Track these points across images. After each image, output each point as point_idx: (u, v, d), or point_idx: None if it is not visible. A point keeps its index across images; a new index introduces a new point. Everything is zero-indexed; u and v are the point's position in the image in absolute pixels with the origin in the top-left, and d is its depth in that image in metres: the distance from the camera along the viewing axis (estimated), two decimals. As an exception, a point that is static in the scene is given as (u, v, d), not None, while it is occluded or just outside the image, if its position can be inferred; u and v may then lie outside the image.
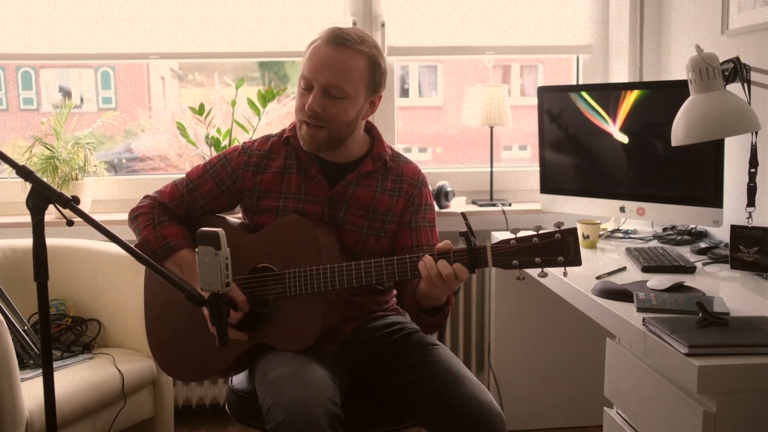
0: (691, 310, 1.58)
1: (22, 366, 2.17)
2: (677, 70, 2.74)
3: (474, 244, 1.58)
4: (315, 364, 1.65)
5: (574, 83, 3.13)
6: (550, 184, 2.70)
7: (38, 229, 1.41)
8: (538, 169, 2.73)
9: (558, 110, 2.64)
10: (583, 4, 3.04)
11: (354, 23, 2.91)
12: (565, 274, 1.55)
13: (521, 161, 3.60)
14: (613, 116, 2.48)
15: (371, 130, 1.91)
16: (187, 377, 1.98)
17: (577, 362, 2.83)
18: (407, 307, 1.86)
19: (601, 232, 2.56)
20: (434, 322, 1.77)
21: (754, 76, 1.94)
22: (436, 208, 2.52)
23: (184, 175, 1.93)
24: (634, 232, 2.63)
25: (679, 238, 2.44)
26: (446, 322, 2.05)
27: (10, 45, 2.83)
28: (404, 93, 3.85)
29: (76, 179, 2.80)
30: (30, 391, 2.01)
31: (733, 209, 2.28)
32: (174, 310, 1.83)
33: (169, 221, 1.86)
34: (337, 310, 1.75)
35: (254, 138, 1.97)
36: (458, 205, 2.91)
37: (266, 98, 2.74)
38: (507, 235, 1.60)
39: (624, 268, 2.07)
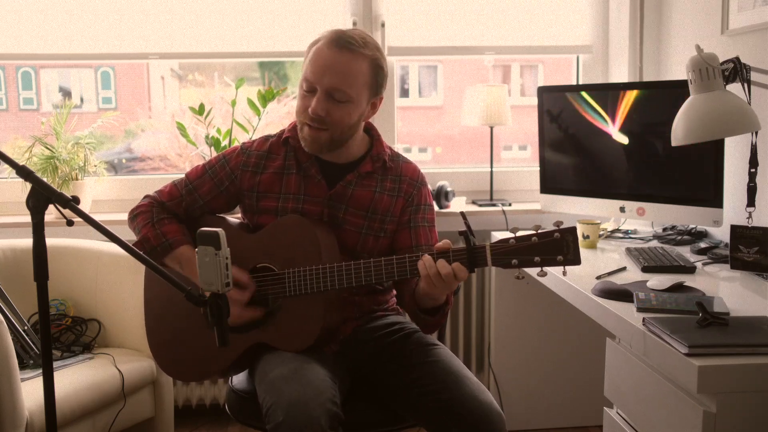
0: (691, 310, 1.58)
1: (22, 366, 2.17)
2: (677, 70, 2.74)
3: (473, 244, 1.57)
4: (315, 364, 1.65)
5: (574, 83, 3.13)
6: (550, 184, 2.70)
7: (38, 229, 1.41)
8: (538, 169, 2.73)
9: (558, 110, 2.64)
10: (583, 4, 3.04)
11: (354, 23, 2.91)
12: (564, 273, 1.55)
13: (521, 161, 3.60)
14: (613, 116, 2.48)
15: (370, 130, 1.91)
16: (187, 377, 1.98)
17: (577, 362, 2.83)
18: (406, 307, 1.85)
19: (601, 232, 2.56)
20: (434, 322, 1.76)
21: (754, 76, 1.94)
22: (436, 208, 2.52)
23: (183, 176, 1.93)
24: (634, 232, 2.63)
25: (679, 238, 2.44)
26: (446, 322, 2.05)
27: (10, 45, 2.84)
28: (404, 93, 3.85)
29: (76, 179, 2.80)
30: (30, 391, 2.01)
31: (733, 209, 2.28)
32: (174, 310, 1.83)
33: (168, 219, 1.86)
34: (337, 310, 1.75)
35: (253, 138, 1.97)
36: (458, 205, 2.91)
37: (266, 98, 2.74)
38: (507, 235, 1.60)
39: (624, 268, 2.07)
